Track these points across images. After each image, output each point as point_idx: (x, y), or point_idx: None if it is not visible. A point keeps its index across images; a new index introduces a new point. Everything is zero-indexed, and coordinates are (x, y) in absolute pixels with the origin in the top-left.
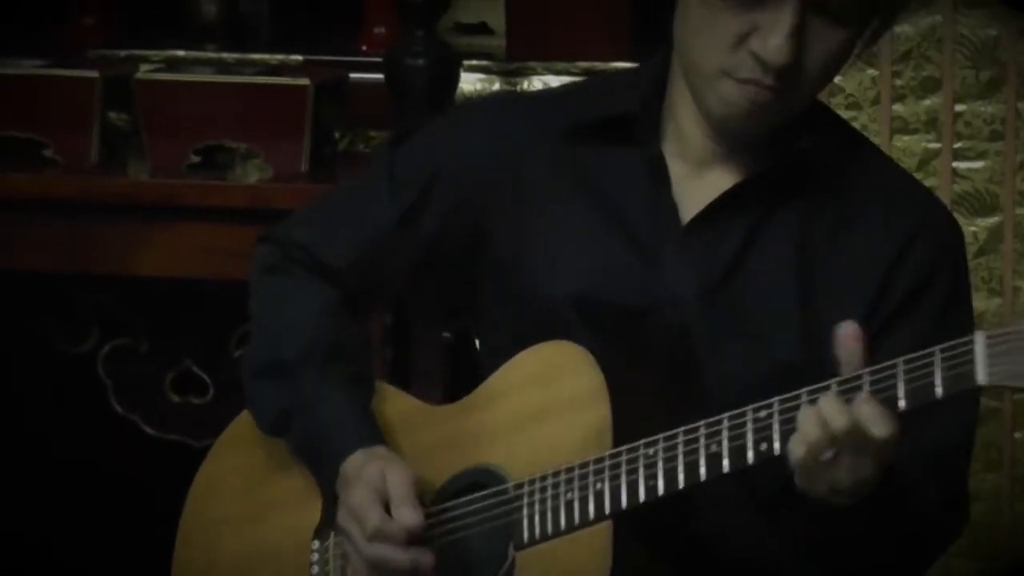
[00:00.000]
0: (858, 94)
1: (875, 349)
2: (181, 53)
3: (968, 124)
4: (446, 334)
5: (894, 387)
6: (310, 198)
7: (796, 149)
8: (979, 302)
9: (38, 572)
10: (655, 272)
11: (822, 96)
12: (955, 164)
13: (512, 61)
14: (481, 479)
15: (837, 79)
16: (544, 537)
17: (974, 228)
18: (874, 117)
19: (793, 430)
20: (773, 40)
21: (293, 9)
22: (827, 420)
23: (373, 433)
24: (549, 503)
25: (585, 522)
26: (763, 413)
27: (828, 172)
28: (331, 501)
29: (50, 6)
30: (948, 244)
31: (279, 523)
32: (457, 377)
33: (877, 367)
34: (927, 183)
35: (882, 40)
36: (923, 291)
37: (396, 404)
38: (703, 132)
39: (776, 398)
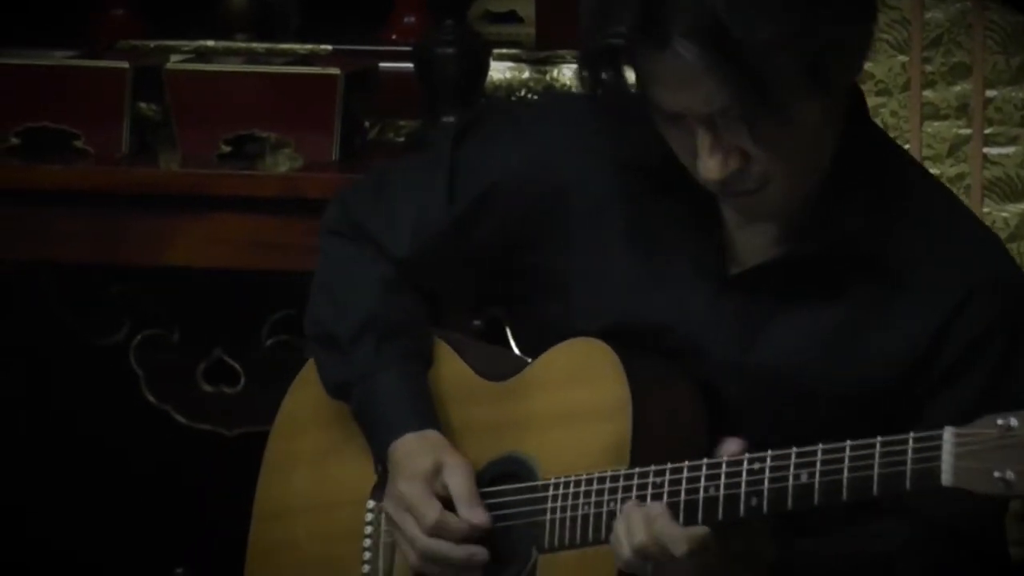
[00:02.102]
0: (888, 80)
1: (920, 416)
2: (211, 43)
3: (999, 109)
4: (476, 322)
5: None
6: (340, 188)
7: (842, 231)
8: None
9: (71, 561)
10: (689, 321)
11: None
12: (986, 150)
13: (541, 50)
14: (515, 469)
15: (867, 66)
16: (563, 546)
17: (1005, 214)
18: (904, 103)
19: (783, 490)
20: (700, 161)
21: None
22: (631, 534)
23: (425, 415)
24: (568, 512)
25: (598, 539)
26: (756, 465)
27: (879, 241)
28: (383, 472)
29: None
30: (1002, 309)
31: (343, 468)
32: None
33: (856, 443)
34: (957, 169)
35: (912, 27)
36: (972, 359)
37: (452, 371)
38: None
39: (770, 451)
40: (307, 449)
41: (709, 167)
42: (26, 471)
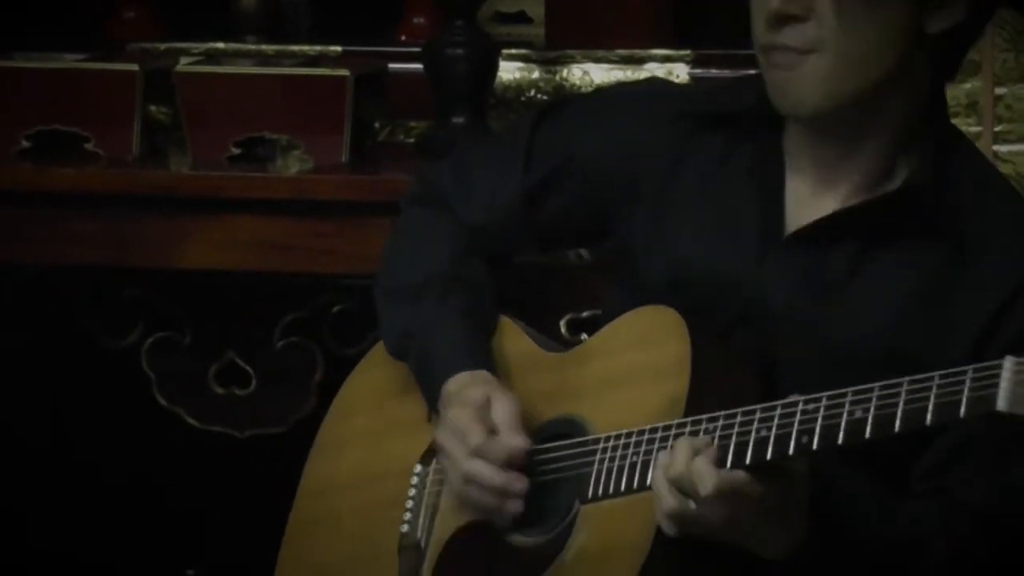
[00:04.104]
0: None
1: None
2: (221, 45)
3: (1008, 107)
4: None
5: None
6: (351, 189)
7: (909, 184)
8: None
9: (81, 562)
10: (753, 278)
11: None
12: (996, 147)
13: (551, 50)
14: (566, 429)
15: None
16: (607, 495)
17: None
18: None
19: (835, 426)
20: None
21: (332, 0)
22: (671, 464)
23: (481, 358)
24: (616, 462)
25: (643, 487)
26: (811, 406)
27: (946, 210)
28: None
29: (90, 0)
30: None
31: (393, 444)
32: None
33: (913, 378)
34: None
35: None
36: None
37: (515, 344)
38: (800, 133)
39: (826, 392)
40: (359, 429)
41: None
42: (37, 473)
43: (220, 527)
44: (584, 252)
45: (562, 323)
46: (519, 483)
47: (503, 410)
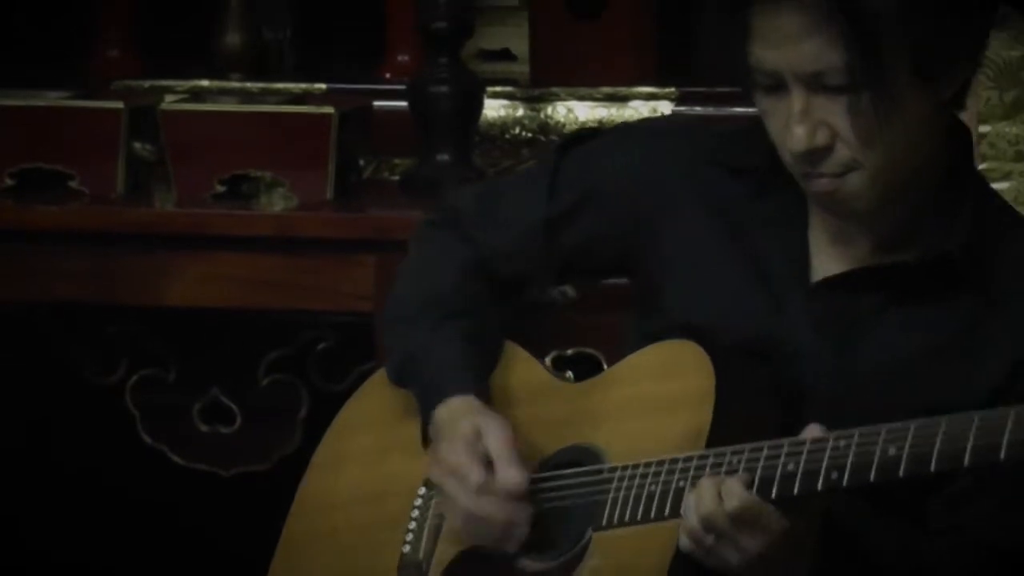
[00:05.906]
0: None
1: None
2: (205, 83)
3: (992, 145)
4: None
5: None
6: (335, 226)
7: (940, 249)
8: None
9: None
10: (778, 320)
11: None
12: None
13: (536, 87)
14: (580, 457)
15: None
16: (622, 523)
17: None
18: None
19: (867, 463)
20: (788, 131)
21: (316, 38)
22: (700, 502)
23: (473, 382)
24: (634, 491)
25: (661, 516)
26: (842, 443)
27: (979, 273)
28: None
29: (75, 38)
30: None
31: (396, 464)
32: None
33: (952, 416)
34: None
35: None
36: None
37: (525, 372)
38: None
39: (858, 429)
40: (360, 449)
41: (796, 135)
42: (21, 511)
43: (204, 566)
44: (570, 290)
45: (547, 360)
46: (523, 513)
47: (496, 440)
